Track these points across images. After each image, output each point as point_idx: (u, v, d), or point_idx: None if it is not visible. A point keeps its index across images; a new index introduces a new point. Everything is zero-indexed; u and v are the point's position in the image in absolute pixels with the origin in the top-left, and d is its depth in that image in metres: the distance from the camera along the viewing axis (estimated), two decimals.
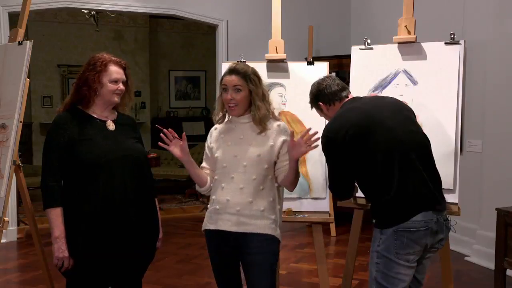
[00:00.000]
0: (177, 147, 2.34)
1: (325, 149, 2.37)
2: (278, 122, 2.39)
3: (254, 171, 2.30)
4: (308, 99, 2.61)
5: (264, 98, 2.36)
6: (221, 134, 2.41)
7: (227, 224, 2.30)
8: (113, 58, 2.35)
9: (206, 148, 2.44)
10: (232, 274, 2.40)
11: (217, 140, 2.41)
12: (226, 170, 2.33)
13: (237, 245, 2.30)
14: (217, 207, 2.32)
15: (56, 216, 2.21)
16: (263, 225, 2.28)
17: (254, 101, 2.34)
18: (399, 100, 2.47)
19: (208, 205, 2.41)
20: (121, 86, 2.34)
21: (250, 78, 2.32)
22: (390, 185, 2.20)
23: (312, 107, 2.61)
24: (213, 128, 2.48)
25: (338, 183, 2.40)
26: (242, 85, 2.31)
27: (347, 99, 2.47)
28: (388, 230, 2.21)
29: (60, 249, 2.21)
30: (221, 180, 2.34)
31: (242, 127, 2.38)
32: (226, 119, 2.44)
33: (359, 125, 2.26)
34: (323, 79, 2.55)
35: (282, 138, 2.34)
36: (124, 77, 2.37)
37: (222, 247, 2.34)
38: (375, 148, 2.23)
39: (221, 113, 2.43)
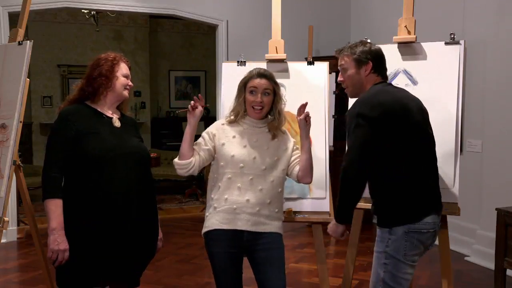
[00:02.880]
0: (196, 111, 2.33)
1: (354, 122, 2.19)
2: (282, 129, 2.51)
3: (273, 174, 2.39)
4: (347, 50, 2.38)
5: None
6: (234, 134, 2.42)
7: (245, 224, 2.32)
8: (121, 55, 2.45)
9: (207, 136, 2.41)
10: (236, 276, 2.39)
11: (229, 139, 2.40)
12: (243, 170, 2.34)
13: (247, 244, 2.33)
14: (234, 206, 2.32)
15: (55, 207, 2.19)
16: (277, 226, 2.41)
17: (277, 105, 2.45)
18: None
19: (215, 204, 2.37)
20: (130, 82, 2.43)
21: (276, 83, 2.45)
22: (413, 180, 2.17)
23: (343, 54, 2.39)
24: (220, 123, 2.47)
25: (356, 162, 2.17)
26: (270, 89, 2.42)
27: (380, 80, 2.37)
28: (399, 231, 2.17)
29: (56, 241, 2.17)
30: (236, 180, 2.34)
31: (257, 131, 2.43)
32: (235, 121, 2.46)
33: (397, 110, 2.18)
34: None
35: (292, 140, 2.51)
36: (130, 75, 2.46)
37: (232, 247, 2.34)
38: (406, 139, 2.18)
39: (234, 114, 2.45)
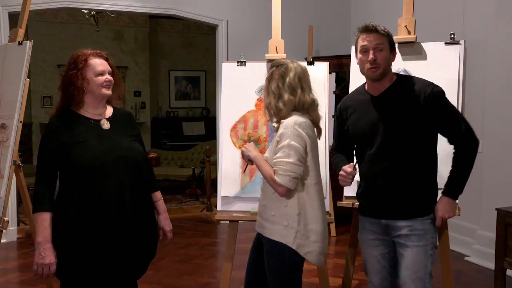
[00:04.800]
0: None
1: (446, 99, 2.41)
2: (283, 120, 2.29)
3: None
4: (384, 30, 2.33)
5: (278, 95, 2.26)
6: None
7: (257, 223, 2.39)
8: (92, 51, 2.27)
9: None
10: (252, 268, 2.46)
11: None
12: None
13: (260, 244, 2.37)
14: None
15: (41, 221, 2.13)
16: (275, 231, 2.24)
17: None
18: None
19: None
20: (108, 77, 2.24)
21: (270, 72, 2.32)
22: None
23: (382, 33, 2.31)
24: None
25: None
26: (266, 85, 2.36)
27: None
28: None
29: (41, 255, 2.12)
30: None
31: None
32: None
33: None
34: None
35: (280, 133, 2.24)
36: (109, 68, 2.27)
37: (256, 245, 2.44)
38: None
39: None
